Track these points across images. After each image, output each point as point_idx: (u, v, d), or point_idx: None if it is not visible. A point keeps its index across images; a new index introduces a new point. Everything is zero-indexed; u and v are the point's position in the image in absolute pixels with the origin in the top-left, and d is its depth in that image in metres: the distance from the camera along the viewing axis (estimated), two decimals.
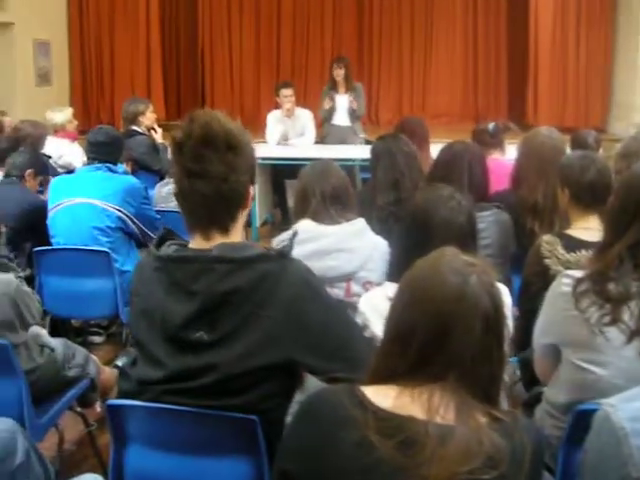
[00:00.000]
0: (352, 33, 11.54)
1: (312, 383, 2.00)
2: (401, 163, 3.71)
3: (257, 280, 1.83)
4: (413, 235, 2.34)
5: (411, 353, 1.42)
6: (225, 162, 1.88)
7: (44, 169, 4.65)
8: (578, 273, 2.17)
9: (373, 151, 3.91)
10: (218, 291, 1.82)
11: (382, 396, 1.41)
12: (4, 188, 4.37)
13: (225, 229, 1.93)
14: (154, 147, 6.44)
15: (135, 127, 6.43)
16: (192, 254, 1.91)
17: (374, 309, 2.30)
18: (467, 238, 2.30)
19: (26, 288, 2.81)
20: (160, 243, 1.99)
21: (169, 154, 6.52)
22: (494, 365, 1.43)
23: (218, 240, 1.92)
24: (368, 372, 1.51)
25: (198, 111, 1.96)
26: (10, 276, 2.73)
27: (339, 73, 8.07)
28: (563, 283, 2.20)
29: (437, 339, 1.40)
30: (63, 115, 6.80)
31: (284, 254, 1.91)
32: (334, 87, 8.16)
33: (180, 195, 1.94)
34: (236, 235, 1.96)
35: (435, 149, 4.82)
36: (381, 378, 1.46)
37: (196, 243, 1.95)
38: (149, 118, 6.56)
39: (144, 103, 6.68)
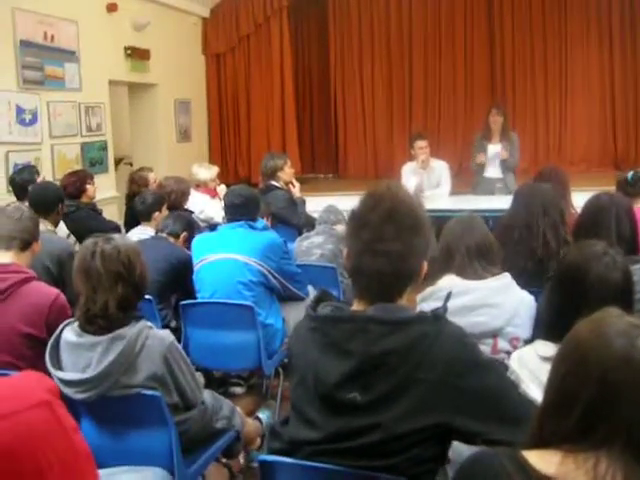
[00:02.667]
0: (485, 81, 11.47)
1: (461, 449, 1.99)
2: (537, 210, 3.67)
3: (413, 342, 1.84)
4: (566, 292, 2.29)
5: (574, 418, 1.38)
6: (407, 242, 1.92)
7: (193, 231, 4.90)
8: None
9: (515, 194, 3.90)
10: (373, 352, 1.84)
11: (545, 462, 1.38)
12: (153, 243, 4.60)
13: (391, 301, 1.96)
14: (292, 201, 6.58)
15: (274, 182, 6.62)
16: (347, 314, 1.95)
17: (525, 367, 2.27)
18: (624, 295, 2.24)
19: (181, 349, 2.90)
20: (316, 304, 2.04)
21: (306, 208, 6.70)
22: None
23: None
24: (529, 435, 1.48)
25: (382, 185, 2.01)
26: (166, 333, 2.83)
27: (496, 120, 7.91)
28: None
29: (602, 405, 1.35)
30: (209, 173, 7.11)
31: (439, 316, 1.91)
32: (487, 136, 8.00)
33: (357, 270, 1.97)
34: (399, 303, 1.98)
35: (574, 197, 4.75)
36: (543, 442, 1.42)
37: (357, 307, 1.99)
38: (287, 173, 6.73)
39: (282, 158, 6.84)
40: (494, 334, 2.90)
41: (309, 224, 6.29)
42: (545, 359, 2.19)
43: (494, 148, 7.91)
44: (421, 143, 7.77)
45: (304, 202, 6.79)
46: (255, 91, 11.22)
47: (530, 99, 11.38)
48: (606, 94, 11.17)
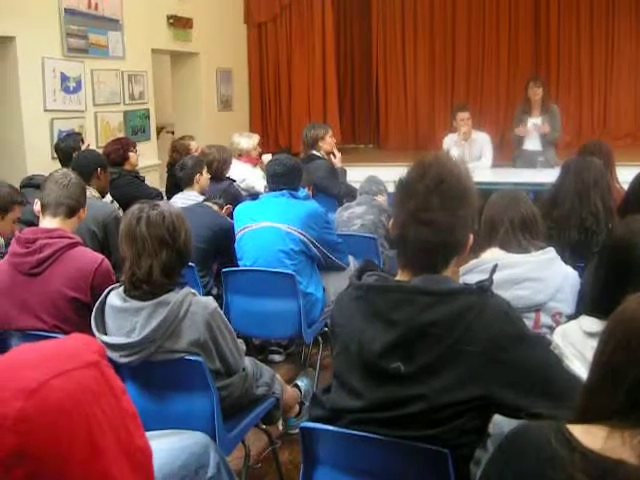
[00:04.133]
0: (528, 54, 11.27)
1: (502, 422, 1.98)
2: (577, 179, 3.65)
3: (458, 314, 1.83)
4: (613, 267, 2.25)
5: (622, 395, 1.36)
6: (453, 213, 1.90)
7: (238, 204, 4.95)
8: None
9: (563, 167, 3.86)
10: (418, 322, 1.84)
11: (590, 436, 1.37)
12: (197, 211, 4.64)
13: (436, 272, 1.95)
14: (333, 171, 6.58)
15: (315, 152, 6.61)
16: (393, 284, 1.94)
17: (569, 343, 2.25)
18: None
19: (223, 316, 2.92)
20: (360, 273, 2.04)
21: (347, 178, 6.68)
22: None
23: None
24: (575, 410, 1.46)
25: (430, 155, 1.99)
26: (209, 300, 2.86)
27: (536, 92, 7.83)
28: None
29: None
30: (251, 142, 7.11)
31: (485, 288, 1.89)
32: (527, 109, 7.92)
33: (402, 240, 1.96)
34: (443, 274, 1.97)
35: (619, 172, 4.68)
36: (589, 417, 1.41)
37: (401, 277, 1.99)
38: (328, 143, 6.72)
39: (324, 128, 6.84)
40: (537, 308, 2.87)
41: (350, 194, 6.28)
42: (590, 335, 2.16)
43: (534, 121, 7.82)
44: (463, 115, 7.71)
45: (345, 172, 6.78)
46: (296, 61, 11.17)
47: (575, 72, 11.17)
48: None
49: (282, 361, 5.01)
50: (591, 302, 2.37)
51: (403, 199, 1.94)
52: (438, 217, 1.88)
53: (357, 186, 5.95)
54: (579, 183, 3.65)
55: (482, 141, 7.84)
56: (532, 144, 7.90)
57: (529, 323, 2.82)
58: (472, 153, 7.77)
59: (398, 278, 1.99)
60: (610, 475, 1.30)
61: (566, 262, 3.05)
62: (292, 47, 11.20)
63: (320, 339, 4.48)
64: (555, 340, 2.30)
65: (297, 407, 3.73)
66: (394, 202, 2.02)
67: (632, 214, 2.78)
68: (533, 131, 7.81)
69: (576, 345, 2.21)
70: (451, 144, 7.80)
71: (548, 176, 5.80)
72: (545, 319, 2.87)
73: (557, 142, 7.98)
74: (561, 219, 3.60)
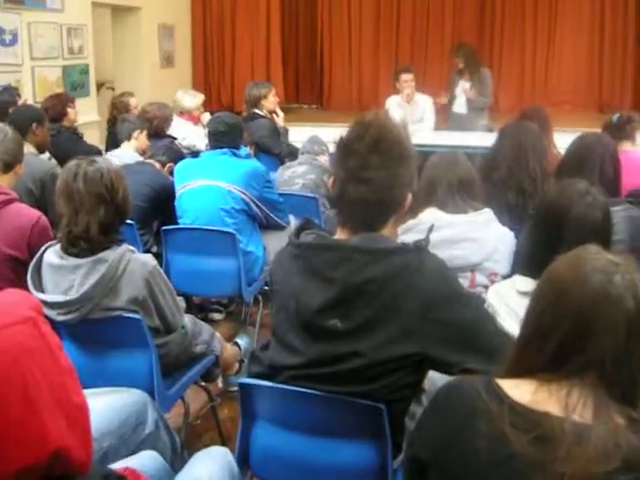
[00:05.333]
0: (473, 18, 11.31)
1: (436, 377, 2.03)
2: (514, 142, 3.70)
3: (395, 272, 1.85)
4: (547, 229, 2.31)
5: (550, 350, 1.41)
6: (392, 172, 1.92)
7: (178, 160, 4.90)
8: None
9: (501, 131, 3.91)
10: (356, 280, 1.85)
11: (519, 390, 1.41)
12: (138, 169, 4.57)
13: (374, 230, 1.97)
14: (275, 130, 6.54)
15: (257, 110, 6.55)
16: (331, 242, 1.96)
17: (502, 302, 2.30)
18: (602, 234, 2.25)
19: (162, 274, 2.90)
20: (299, 232, 2.04)
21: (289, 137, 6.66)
22: (635, 367, 1.40)
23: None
24: (505, 365, 1.51)
25: (370, 114, 1.99)
26: (148, 257, 2.84)
27: (458, 61, 7.91)
28: None
29: (577, 338, 1.38)
30: (195, 100, 7.00)
31: (421, 247, 1.92)
32: (460, 71, 7.95)
33: (341, 198, 1.97)
34: (382, 232, 1.99)
35: (557, 137, 4.76)
36: (518, 372, 1.46)
37: (339, 235, 2.00)
38: (271, 102, 6.67)
39: (267, 87, 6.77)
40: (473, 268, 2.91)
41: (292, 154, 6.26)
42: (523, 293, 2.21)
43: (465, 84, 7.87)
44: (407, 76, 7.70)
45: (287, 132, 6.74)
46: (240, 18, 11.01)
47: (518, 38, 11.26)
48: (595, 38, 11.07)
49: (222, 319, 5.02)
50: (524, 262, 2.43)
51: (343, 158, 1.95)
52: (377, 175, 1.89)
53: (299, 146, 5.93)
54: (517, 147, 3.69)
55: (424, 104, 7.84)
56: (460, 107, 7.99)
57: (465, 282, 2.86)
58: (414, 115, 7.76)
59: (337, 237, 2.00)
60: (537, 426, 1.34)
61: (504, 224, 3.10)
62: (236, 4, 11.01)
63: (260, 298, 4.49)
64: (489, 299, 2.35)
65: (237, 365, 3.75)
66: (334, 161, 2.02)
67: (567, 178, 2.84)
68: (463, 95, 7.87)
69: (509, 303, 2.26)
70: (394, 105, 7.78)
71: (486, 140, 5.88)
72: (481, 279, 2.91)
73: (486, 107, 8.03)
74: (499, 182, 3.65)
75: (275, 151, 6.41)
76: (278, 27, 11.03)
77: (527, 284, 2.21)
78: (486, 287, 2.76)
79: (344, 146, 1.96)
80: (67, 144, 5.50)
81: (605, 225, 2.31)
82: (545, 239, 2.26)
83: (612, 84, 11.03)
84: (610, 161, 3.32)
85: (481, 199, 3.13)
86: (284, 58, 11.32)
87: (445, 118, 8.26)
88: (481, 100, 7.84)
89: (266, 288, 4.37)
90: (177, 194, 4.39)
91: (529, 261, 2.33)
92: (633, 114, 4.73)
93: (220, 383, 3.78)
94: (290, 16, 11.91)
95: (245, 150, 4.57)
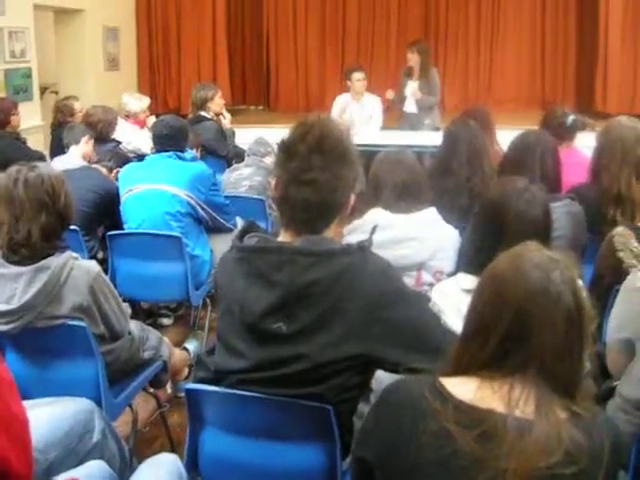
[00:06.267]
0: (418, 17, 11.40)
1: (384, 377, 2.03)
2: (470, 148, 3.78)
3: (338, 273, 1.85)
4: (488, 227, 2.33)
5: (492, 346, 1.42)
6: (335, 173, 1.91)
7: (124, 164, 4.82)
8: None
9: (444, 134, 3.97)
10: (299, 283, 1.85)
11: (462, 388, 1.42)
12: (82, 174, 4.50)
13: (317, 232, 1.96)
14: (222, 133, 6.52)
15: (204, 113, 6.53)
16: (274, 245, 1.95)
17: (447, 299, 2.31)
18: (542, 231, 2.28)
19: (107, 280, 2.87)
20: (242, 235, 2.03)
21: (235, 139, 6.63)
22: (575, 361, 1.43)
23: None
24: (448, 363, 1.52)
25: (312, 116, 1.99)
26: (92, 263, 2.80)
27: (411, 58, 7.87)
28: (638, 279, 2.19)
29: (518, 334, 1.40)
30: (140, 104, 6.95)
31: (364, 248, 1.92)
32: (409, 72, 7.96)
33: (283, 200, 1.96)
34: (325, 234, 1.99)
35: (501, 135, 4.83)
36: (461, 370, 1.47)
37: (283, 238, 1.99)
38: (217, 104, 6.65)
39: (213, 89, 6.75)
40: (418, 267, 2.93)
41: (238, 156, 6.25)
42: (466, 291, 2.23)
43: (413, 84, 7.89)
44: (358, 75, 7.76)
45: (234, 133, 6.73)
46: (186, 20, 10.89)
47: (462, 37, 11.39)
48: (537, 36, 11.25)
49: (171, 324, 4.98)
50: (468, 260, 2.45)
51: (285, 160, 1.94)
52: (319, 177, 1.89)
53: (246, 147, 5.91)
54: (472, 152, 3.76)
55: (373, 104, 7.90)
56: (410, 107, 8.00)
57: (410, 281, 2.88)
58: (362, 115, 7.83)
59: (280, 239, 1.99)
60: (480, 424, 1.36)
61: (454, 225, 3.12)
62: (181, 5, 10.90)
63: (209, 301, 4.46)
64: (434, 297, 2.36)
65: (186, 370, 3.72)
66: (276, 163, 2.02)
67: (509, 175, 2.87)
68: (412, 95, 7.90)
69: (454, 301, 2.28)
70: (343, 104, 7.83)
71: (434, 139, 5.93)
72: (426, 277, 2.94)
73: (434, 106, 8.05)
74: (454, 188, 3.69)
75: (221, 153, 6.40)
76: (224, 28, 10.94)
77: (470, 282, 2.23)
78: (432, 285, 2.77)
79: (286, 148, 1.95)
80: (9, 150, 5.41)
81: (545, 221, 2.35)
82: (486, 237, 2.29)
83: (554, 81, 11.22)
84: (550, 158, 3.37)
85: (427, 199, 3.14)
86: (230, 59, 11.25)
87: (393, 116, 8.30)
88: (428, 99, 7.88)
89: (213, 291, 4.35)
90: (122, 199, 4.34)
91: (472, 259, 2.36)
92: (586, 119, 4.82)
93: (169, 389, 3.75)
94: (236, 17, 11.85)
95: (191, 153, 4.54)
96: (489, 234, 2.28)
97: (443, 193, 3.64)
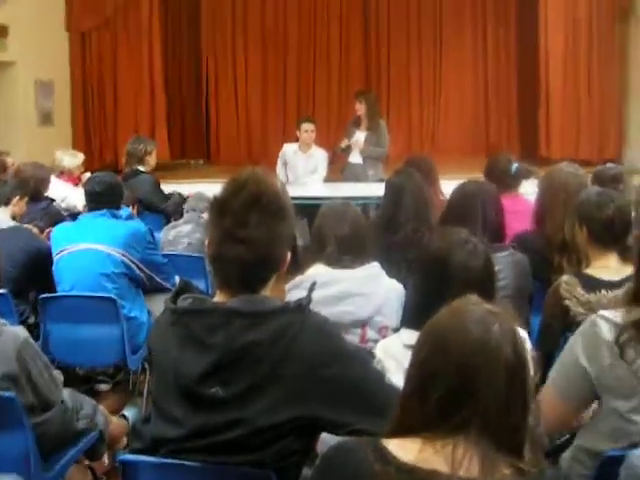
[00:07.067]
0: (359, 65, 11.67)
1: (328, 440, 2.01)
2: (415, 199, 3.81)
3: (275, 334, 1.84)
4: (429, 280, 2.35)
5: (432, 404, 1.43)
6: (270, 229, 1.91)
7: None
8: (615, 317, 2.19)
9: (387, 186, 4.02)
10: (235, 345, 1.83)
11: (405, 449, 1.42)
12: (10, 234, 4.44)
13: (254, 291, 1.95)
14: (158, 186, 6.53)
15: (140, 167, 6.51)
16: (209, 306, 1.93)
17: (391, 356, 2.32)
18: (485, 282, 2.31)
19: (36, 346, 2.81)
20: (176, 296, 2.01)
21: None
22: (519, 415, 1.44)
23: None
24: (391, 424, 1.51)
25: (246, 171, 1.99)
26: (19, 329, 2.74)
27: (358, 108, 7.96)
28: (601, 328, 2.21)
29: (459, 391, 1.41)
30: (75, 160, 6.92)
31: (302, 307, 1.92)
32: (357, 122, 8.05)
33: (218, 259, 1.96)
34: (262, 293, 1.98)
35: (446, 185, 4.90)
36: (404, 430, 1.47)
37: (218, 298, 1.98)
38: (154, 158, 6.67)
39: (151, 143, 6.81)
40: (363, 323, 2.94)
41: (177, 210, 6.22)
42: (409, 347, 2.23)
43: (360, 135, 7.97)
44: (308, 126, 7.88)
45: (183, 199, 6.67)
46: (122, 73, 10.88)
47: (404, 87, 11.70)
48: (479, 85, 11.65)
49: (109, 391, 4.86)
50: (410, 314, 2.46)
51: (218, 217, 1.94)
52: (255, 234, 1.89)
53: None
54: (419, 203, 3.81)
55: (319, 157, 8.00)
56: (355, 158, 8.06)
57: (355, 338, 2.89)
58: (308, 166, 7.93)
59: (216, 300, 1.98)
60: None
61: (401, 280, 3.12)
62: (117, 56, 10.86)
63: (147, 366, 4.38)
64: (377, 354, 2.37)
65: (125, 439, 3.63)
66: (208, 221, 2.02)
67: (452, 226, 2.92)
68: (353, 145, 7.97)
69: (397, 358, 2.28)
70: (290, 154, 7.94)
71: (375, 190, 6.00)
72: (371, 334, 2.94)
73: (382, 158, 8.12)
74: (402, 240, 3.72)
75: (159, 206, 6.39)
76: (161, 81, 10.98)
77: (413, 337, 2.22)
78: (377, 342, 2.78)
79: (219, 204, 1.96)
80: None
81: (487, 273, 2.37)
82: (428, 290, 2.30)
83: (499, 128, 11.58)
84: (492, 207, 3.42)
85: (371, 253, 3.16)
86: (169, 111, 11.28)
87: (337, 168, 8.38)
88: (375, 151, 7.94)
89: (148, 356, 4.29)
90: (54, 259, 4.28)
91: (413, 313, 2.37)
92: (530, 167, 4.94)
93: (106, 460, 3.64)
94: (173, 68, 11.93)
95: (126, 210, 4.51)
96: (431, 287, 2.29)
97: (390, 246, 3.67)
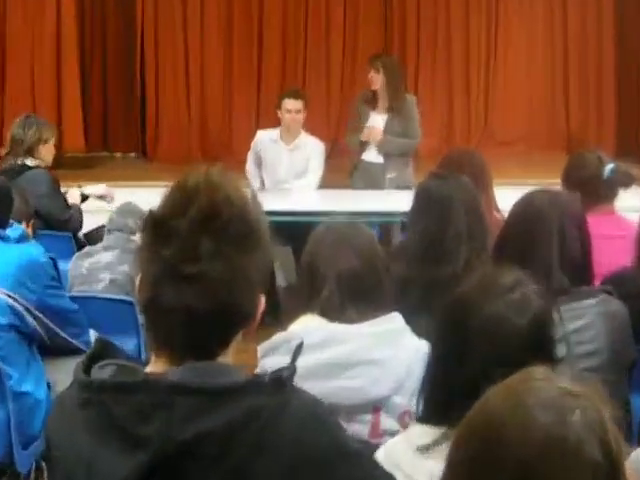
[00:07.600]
0: (375, 24, 11.69)
1: None
2: (469, 216, 3.80)
3: (242, 422, 1.81)
4: (448, 343, 2.32)
5: None
6: (233, 262, 1.87)
7: None
8: None
9: (417, 196, 4.02)
10: (181, 438, 1.81)
11: None
12: None
13: (209, 357, 1.92)
14: (57, 186, 6.60)
15: (29, 161, 6.50)
16: (140, 380, 1.90)
17: (395, 466, 2.27)
18: (532, 350, 2.21)
19: None
20: (91, 363, 1.99)
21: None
22: None
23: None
24: None
25: (197, 174, 1.94)
26: None
27: (375, 79, 7.89)
28: None
29: None
30: None
31: (282, 381, 1.89)
32: (370, 100, 8.03)
33: (153, 307, 1.92)
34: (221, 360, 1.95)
35: (503, 195, 4.89)
36: None
37: (155, 366, 1.96)
38: (50, 151, 6.71)
39: (51, 128, 6.84)
40: (375, 407, 2.92)
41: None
42: (422, 450, 2.19)
43: (377, 119, 7.95)
44: (293, 104, 7.81)
45: (80, 213, 6.70)
46: (15, 35, 11.00)
47: (441, 54, 11.66)
48: (557, 50, 11.59)
49: None
50: (425, 398, 2.40)
51: (154, 244, 1.92)
52: (210, 270, 1.86)
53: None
54: (471, 221, 3.77)
55: (311, 149, 7.94)
56: (372, 154, 8.01)
57: (363, 429, 2.88)
58: (295, 165, 7.88)
59: (150, 369, 1.96)
60: None
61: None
62: (7, 15, 11.01)
63: (44, 465, 4.38)
64: (380, 459, 2.33)
65: None
66: (141, 247, 1.99)
67: (509, 257, 2.91)
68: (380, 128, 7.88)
69: (404, 469, 2.24)
70: (267, 145, 7.90)
71: (399, 201, 6.00)
72: (388, 422, 2.92)
73: (410, 152, 8.09)
74: (449, 277, 3.64)
75: (61, 217, 6.43)
76: (75, 47, 11.04)
77: (426, 435, 2.21)
78: (396, 434, 2.74)
79: (156, 225, 1.93)
80: None
81: (536, 335, 2.30)
82: (448, 361, 2.28)
83: (585, 112, 11.54)
84: (574, 230, 3.39)
85: (389, 298, 3.14)
86: (84, 82, 11.34)
87: (347, 167, 8.32)
88: (400, 143, 7.89)
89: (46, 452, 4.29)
90: None
91: (428, 398, 2.35)
92: (631, 169, 4.90)
93: None
94: (94, 17, 11.92)
95: (18, 229, 4.52)
96: (451, 356, 2.27)
97: (430, 286, 3.63)
